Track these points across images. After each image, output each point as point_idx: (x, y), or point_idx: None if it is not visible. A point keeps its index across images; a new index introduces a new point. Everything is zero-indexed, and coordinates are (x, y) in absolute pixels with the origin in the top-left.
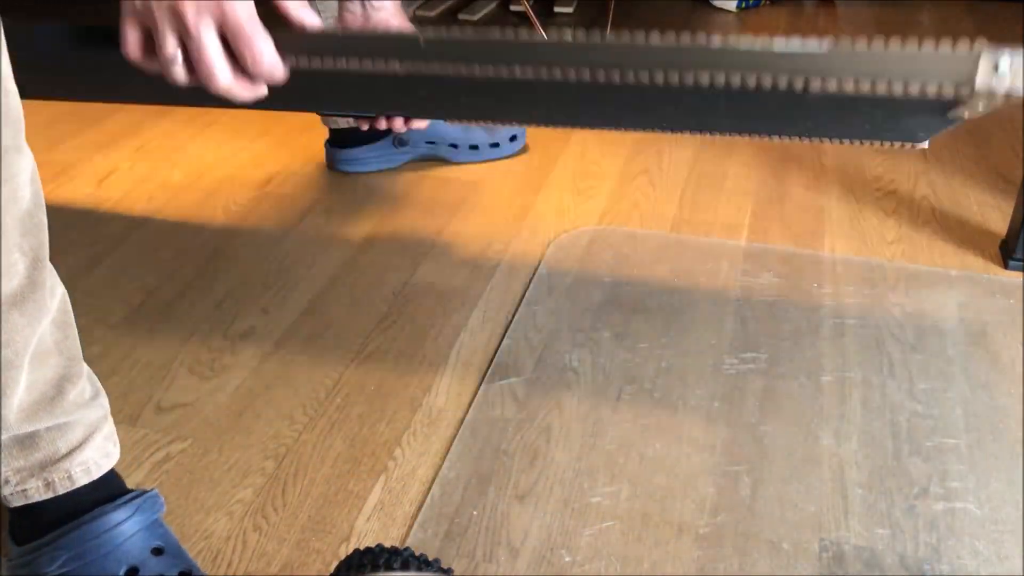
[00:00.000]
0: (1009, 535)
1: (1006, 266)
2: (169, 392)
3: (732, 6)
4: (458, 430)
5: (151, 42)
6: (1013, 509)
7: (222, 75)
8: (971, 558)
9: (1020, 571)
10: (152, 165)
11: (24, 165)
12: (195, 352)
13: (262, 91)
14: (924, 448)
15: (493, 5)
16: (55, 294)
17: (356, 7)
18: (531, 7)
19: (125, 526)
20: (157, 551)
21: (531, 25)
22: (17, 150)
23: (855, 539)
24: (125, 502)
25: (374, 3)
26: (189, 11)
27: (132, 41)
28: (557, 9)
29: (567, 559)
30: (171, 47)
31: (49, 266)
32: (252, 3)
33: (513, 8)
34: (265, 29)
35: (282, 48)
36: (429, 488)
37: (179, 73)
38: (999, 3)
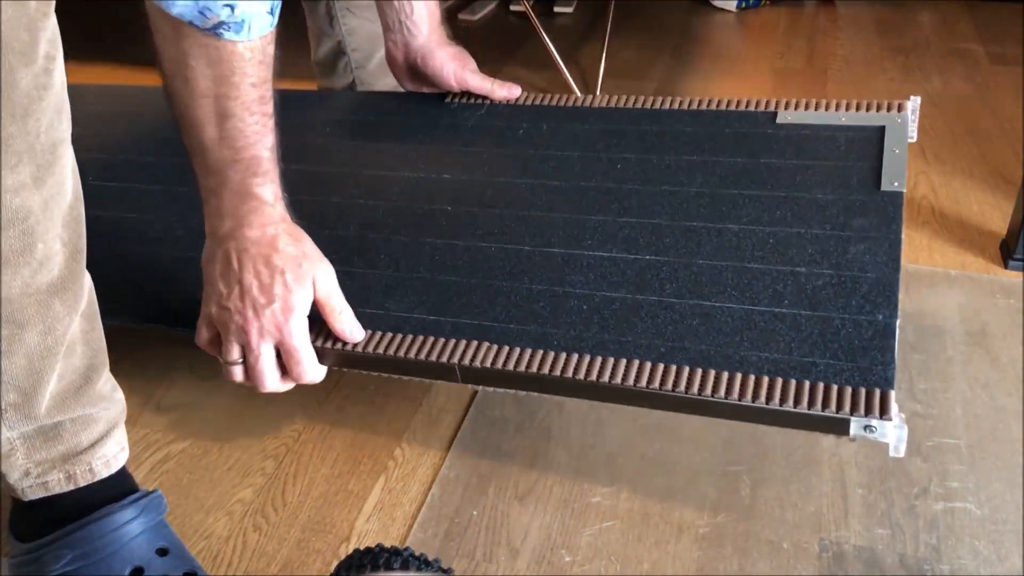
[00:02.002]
0: (1009, 535)
1: (1006, 266)
2: (169, 392)
3: (732, 6)
4: (458, 430)
5: (219, 338)
6: (1013, 509)
7: (271, 384)
8: (971, 558)
9: (1020, 571)
10: None
11: (70, 157)
12: (195, 352)
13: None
14: (924, 448)
15: (493, 5)
16: (85, 286)
17: (398, 38)
18: (531, 7)
19: (131, 526)
20: (162, 551)
21: (531, 25)
22: (68, 142)
23: (855, 539)
24: (131, 502)
25: (413, 31)
26: (253, 333)
27: (204, 338)
28: (557, 9)
29: (567, 559)
30: (234, 355)
31: (84, 258)
32: (306, 325)
33: (513, 8)
34: (311, 350)
35: (325, 359)
36: (429, 488)
37: (236, 373)
38: (999, 3)
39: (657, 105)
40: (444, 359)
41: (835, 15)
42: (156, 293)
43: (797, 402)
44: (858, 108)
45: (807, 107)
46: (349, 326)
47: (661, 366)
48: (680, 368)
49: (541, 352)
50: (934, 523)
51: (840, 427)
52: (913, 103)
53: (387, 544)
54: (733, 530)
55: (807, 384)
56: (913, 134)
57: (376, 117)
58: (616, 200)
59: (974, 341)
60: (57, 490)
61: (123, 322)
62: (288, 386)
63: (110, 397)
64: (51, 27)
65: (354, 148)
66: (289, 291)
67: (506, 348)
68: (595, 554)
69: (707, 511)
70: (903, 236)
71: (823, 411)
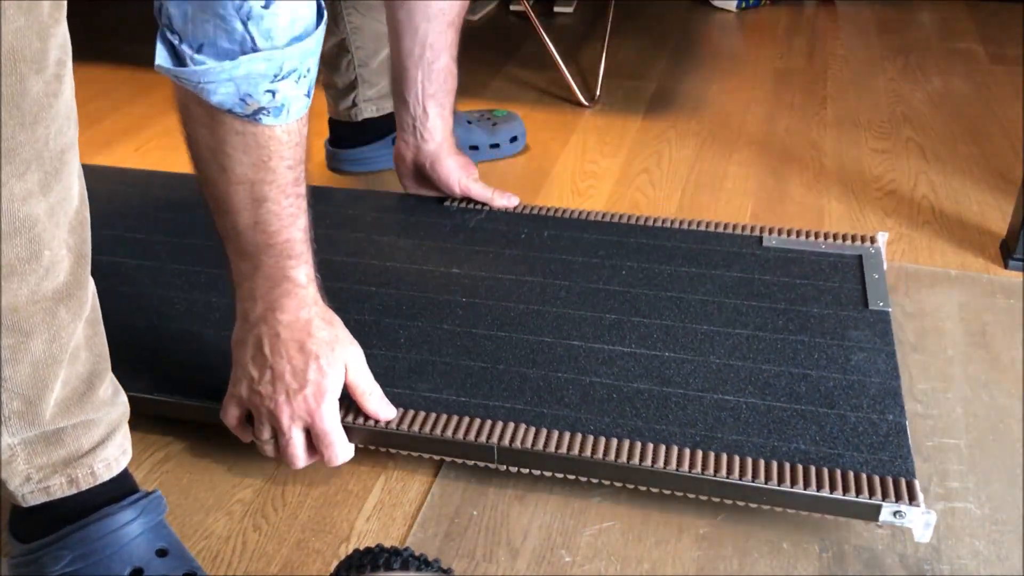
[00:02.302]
0: (1009, 535)
1: (1006, 266)
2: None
3: (732, 6)
4: None
5: (249, 417)
6: (1013, 509)
7: (301, 462)
8: (971, 558)
9: (1020, 571)
10: (151, 165)
11: (76, 163)
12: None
13: None
14: (924, 448)
15: (493, 5)
16: (90, 292)
17: (411, 140)
18: (531, 7)
19: (131, 527)
20: (162, 552)
21: (531, 25)
22: (75, 147)
23: (855, 539)
24: (131, 503)
25: (426, 137)
26: (284, 417)
27: (232, 416)
28: (557, 9)
29: (567, 559)
30: (265, 435)
31: (89, 263)
32: (337, 408)
33: (513, 8)
34: (342, 432)
35: (355, 437)
36: (429, 488)
37: (268, 451)
38: (999, 3)
39: (650, 223)
40: (482, 439)
41: (835, 15)
42: (152, 364)
43: (833, 488)
44: (835, 238)
45: (789, 234)
46: (379, 406)
47: (700, 452)
48: (719, 455)
49: (580, 435)
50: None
51: (871, 513)
52: (883, 236)
53: (387, 544)
54: (733, 530)
55: (839, 472)
56: (885, 264)
57: (378, 214)
58: (627, 301)
59: (974, 341)
60: (59, 494)
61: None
62: (318, 461)
63: (112, 401)
64: (62, 33)
65: (358, 240)
66: (323, 375)
67: (544, 430)
68: (595, 554)
69: (707, 511)
70: (896, 349)
71: (857, 497)
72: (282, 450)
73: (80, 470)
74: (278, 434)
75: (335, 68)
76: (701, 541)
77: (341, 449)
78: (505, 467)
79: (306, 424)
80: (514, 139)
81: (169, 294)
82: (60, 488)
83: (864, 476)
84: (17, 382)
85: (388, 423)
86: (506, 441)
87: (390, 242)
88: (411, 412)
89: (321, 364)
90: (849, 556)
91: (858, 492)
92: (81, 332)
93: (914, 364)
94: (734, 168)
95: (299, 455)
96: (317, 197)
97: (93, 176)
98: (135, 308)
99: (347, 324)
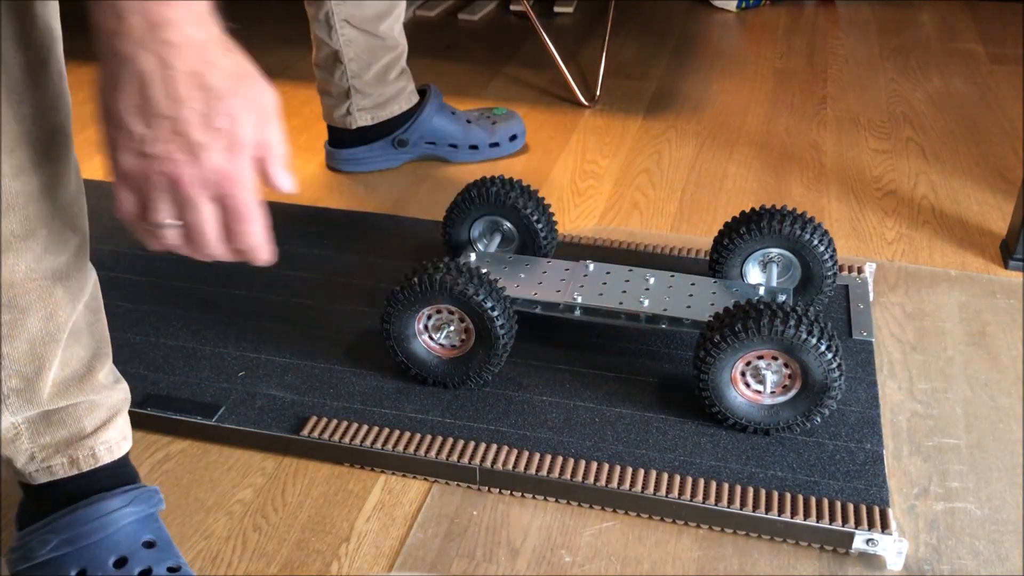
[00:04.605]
0: (1009, 535)
1: (1006, 266)
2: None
3: (732, 6)
4: None
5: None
6: (1013, 509)
7: (216, 248)
8: (971, 558)
9: (1020, 571)
10: None
11: (69, 148)
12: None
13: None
14: (924, 448)
15: (493, 5)
16: (90, 278)
17: None
18: (531, 7)
19: (119, 514)
20: (149, 544)
21: (531, 25)
22: (68, 133)
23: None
24: (122, 492)
25: None
26: (186, 182)
27: (128, 203)
28: (557, 9)
29: (567, 559)
30: (163, 214)
31: (88, 249)
32: (252, 176)
33: (513, 8)
34: (260, 209)
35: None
36: (429, 488)
37: (170, 238)
38: (999, 3)
39: (640, 248)
40: (465, 460)
41: (835, 15)
42: (147, 379)
43: (807, 515)
44: None
45: None
46: (283, 174)
47: (678, 477)
48: (696, 480)
49: (561, 458)
50: (934, 523)
51: (844, 540)
52: (870, 267)
53: (386, 543)
54: (733, 530)
55: (813, 500)
56: (871, 295)
57: (374, 235)
58: (613, 328)
59: (974, 341)
60: (61, 474)
61: None
62: (232, 256)
63: (112, 387)
64: (46, 14)
65: (351, 261)
66: (236, 123)
67: (525, 453)
68: (595, 554)
69: None
70: (877, 379)
71: (830, 524)
72: (191, 230)
73: (81, 451)
74: (183, 209)
75: (330, 75)
76: (701, 541)
77: (261, 233)
78: (487, 488)
79: (218, 192)
80: (513, 137)
81: (166, 311)
82: (62, 468)
83: (838, 504)
84: (15, 359)
85: (363, 440)
86: (488, 463)
87: (382, 263)
88: (396, 432)
89: (234, 107)
90: (849, 556)
91: (831, 520)
92: (82, 317)
93: (914, 364)
94: (734, 168)
95: (213, 235)
96: (312, 217)
97: (97, 193)
98: (132, 323)
99: (330, 341)
